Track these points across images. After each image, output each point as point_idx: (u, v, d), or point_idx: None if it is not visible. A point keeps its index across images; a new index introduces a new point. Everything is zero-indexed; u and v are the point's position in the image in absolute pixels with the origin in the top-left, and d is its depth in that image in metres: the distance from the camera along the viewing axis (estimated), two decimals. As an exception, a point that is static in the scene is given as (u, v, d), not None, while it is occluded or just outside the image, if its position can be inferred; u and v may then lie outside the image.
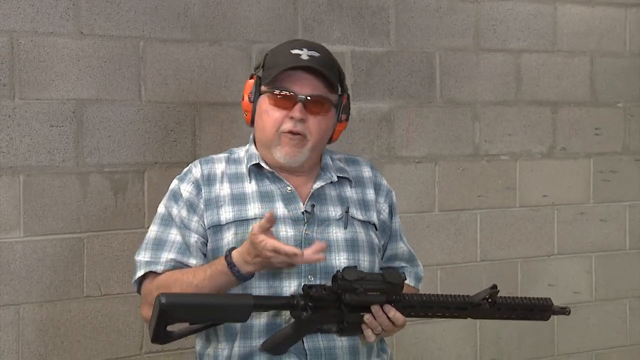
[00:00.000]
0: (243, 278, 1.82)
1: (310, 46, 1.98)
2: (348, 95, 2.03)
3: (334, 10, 3.11)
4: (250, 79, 2.01)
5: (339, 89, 2.01)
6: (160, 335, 1.78)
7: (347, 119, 2.04)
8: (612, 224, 3.65)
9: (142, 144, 2.80)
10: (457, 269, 3.34)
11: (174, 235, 1.94)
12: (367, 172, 2.09)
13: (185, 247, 1.93)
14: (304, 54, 1.94)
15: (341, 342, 1.90)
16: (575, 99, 3.58)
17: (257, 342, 1.88)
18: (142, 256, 1.95)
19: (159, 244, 1.94)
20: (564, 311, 1.99)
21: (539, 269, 3.50)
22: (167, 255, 1.92)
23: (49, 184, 2.68)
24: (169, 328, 1.79)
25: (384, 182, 2.12)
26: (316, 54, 1.96)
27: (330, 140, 2.04)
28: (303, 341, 1.87)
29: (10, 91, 2.63)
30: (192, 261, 1.92)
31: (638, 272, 3.73)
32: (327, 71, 1.95)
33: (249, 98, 1.98)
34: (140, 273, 1.94)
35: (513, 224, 3.46)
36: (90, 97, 2.73)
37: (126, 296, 2.78)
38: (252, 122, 2.01)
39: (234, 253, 1.82)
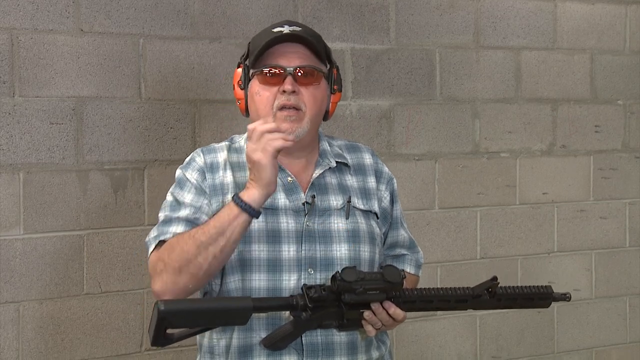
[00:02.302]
0: (254, 211, 1.77)
1: (291, 23, 1.98)
2: (337, 68, 2.01)
3: (333, 8, 3.10)
4: (237, 68, 2.00)
5: (327, 60, 2.00)
6: (159, 340, 1.77)
7: (339, 90, 2.02)
8: (612, 221, 3.66)
9: (142, 142, 2.80)
10: (457, 267, 3.35)
11: (182, 212, 1.91)
12: (368, 159, 2.08)
13: (195, 221, 1.89)
14: (286, 29, 1.93)
15: (339, 338, 1.90)
16: (575, 97, 3.57)
17: (257, 335, 1.87)
18: (152, 234, 1.92)
19: (166, 222, 1.91)
20: (565, 297, 1.97)
21: (538, 267, 3.50)
22: (176, 229, 1.88)
23: (49, 181, 2.68)
24: (169, 330, 1.78)
25: (385, 169, 2.11)
26: (298, 28, 1.95)
27: (326, 116, 2.02)
28: (301, 336, 1.87)
29: (10, 89, 2.63)
30: None
31: (638, 269, 3.73)
32: (312, 40, 1.94)
33: (239, 85, 1.97)
34: (151, 248, 1.89)
35: (513, 221, 3.46)
36: (90, 95, 2.73)
37: (126, 293, 2.78)
38: (247, 111, 2.00)
39: (242, 193, 1.79)
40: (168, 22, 2.84)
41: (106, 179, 2.76)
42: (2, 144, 2.62)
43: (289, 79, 1.90)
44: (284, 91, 1.89)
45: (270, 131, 1.76)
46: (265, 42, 1.91)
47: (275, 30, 1.94)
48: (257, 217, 1.80)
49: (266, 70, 1.92)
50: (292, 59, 1.92)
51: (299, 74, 1.91)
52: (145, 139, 2.81)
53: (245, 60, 1.99)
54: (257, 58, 1.93)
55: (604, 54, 3.62)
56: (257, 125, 1.78)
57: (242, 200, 1.77)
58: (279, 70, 1.91)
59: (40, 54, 2.66)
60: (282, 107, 1.90)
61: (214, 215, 1.83)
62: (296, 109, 1.90)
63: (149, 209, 2.79)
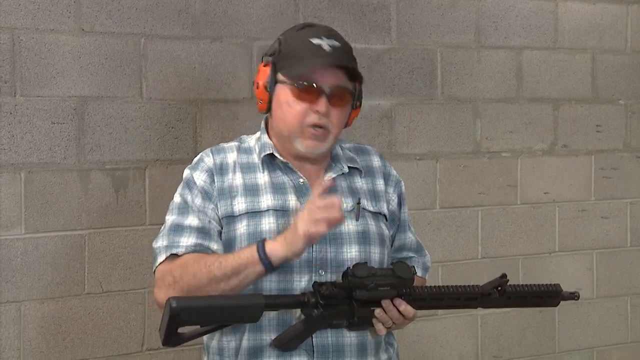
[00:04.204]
0: (271, 266, 1.79)
1: (328, 34, 1.94)
2: (361, 80, 1.99)
3: (335, 7, 3.10)
4: (264, 65, 1.95)
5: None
6: (171, 339, 1.77)
7: (360, 106, 2.02)
8: (613, 221, 3.65)
9: (143, 141, 2.80)
10: (458, 267, 3.34)
11: (192, 220, 1.91)
12: (376, 161, 2.09)
13: (205, 232, 1.90)
14: (325, 44, 1.90)
15: (349, 339, 1.90)
16: (577, 96, 3.57)
17: (267, 336, 1.87)
18: (161, 242, 1.91)
19: (176, 230, 1.91)
20: (573, 296, 1.99)
21: (540, 266, 3.50)
22: (188, 240, 1.88)
23: (50, 181, 2.68)
24: (180, 330, 1.78)
25: (393, 171, 2.12)
26: (337, 44, 1.92)
27: (344, 126, 2.01)
28: (312, 337, 1.87)
29: (11, 88, 2.63)
30: (214, 245, 1.90)
31: (639, 269, 3.72)
32: (350, 62, 1.92)
33: (265, 87, 1.93)
34: (161, 258, 1.90)
35: (514, 221, 3.46)
36: (91, 94, 2.73)
37: (127, 293, 2.78)
38: (267, 109, 1.97)
39: (269, 242, 1.80)
40: (169, 21, 2.84)
41: (107, 178, 2.76)
42: (3, 143, 2.62)
43: (323, 100, 1.89)
44: (317, 111, 1.89)
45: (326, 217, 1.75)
46: (308, 59, 1.88)
47: (315, 42, 1.90)
48: (272, 272, 1.81)
49: (301, 85, 1.89)
50: (328, 76, 1.89)
51: (333, 94, 1.90)
52: (146, 138, 2.81)
53: (272, 56, 1.94)
54: (292, 65, 1.90)
55: (605, 53, 3.62)
56: (319, 204, 1.76)
57: (264, 251, 1.78)
58: (314, 88, 1.89)
59: (41, 54, 2.66)
60: (312, 125, 1.90)
61: (236, 253, 1.83)
62: (323, 128, 1.91)
63: (150, 208, 2.79)
